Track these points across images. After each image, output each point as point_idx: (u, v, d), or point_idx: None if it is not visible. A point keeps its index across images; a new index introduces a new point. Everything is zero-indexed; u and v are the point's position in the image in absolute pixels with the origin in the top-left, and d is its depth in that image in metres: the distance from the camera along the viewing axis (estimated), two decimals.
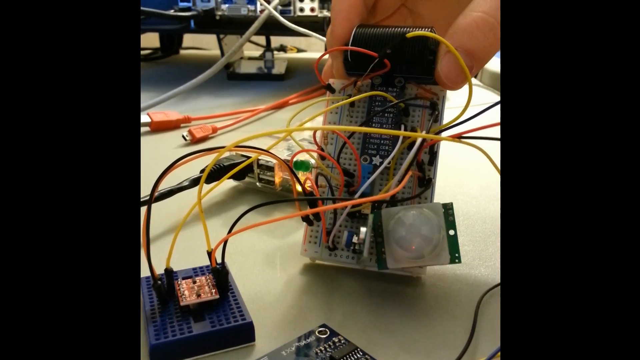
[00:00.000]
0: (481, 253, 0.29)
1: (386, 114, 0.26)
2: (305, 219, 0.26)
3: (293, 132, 0.25)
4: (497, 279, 0.26)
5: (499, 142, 0.23)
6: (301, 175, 0.33)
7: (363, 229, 0.23)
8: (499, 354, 0.19)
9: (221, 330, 0.21)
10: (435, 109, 0.25)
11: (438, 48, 0.24)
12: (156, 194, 0.30)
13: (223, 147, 0.22)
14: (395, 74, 0.26)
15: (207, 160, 0.33)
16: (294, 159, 0.25)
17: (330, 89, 0.28)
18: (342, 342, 0.21)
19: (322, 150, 0.26)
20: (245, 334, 0.22)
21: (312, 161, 0.29)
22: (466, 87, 0.24)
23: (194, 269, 0.25)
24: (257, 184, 0.36)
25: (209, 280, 0.24)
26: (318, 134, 0.27)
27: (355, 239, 0.24)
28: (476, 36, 0.23)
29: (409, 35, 0.24)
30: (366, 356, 0.20)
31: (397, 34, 0.25)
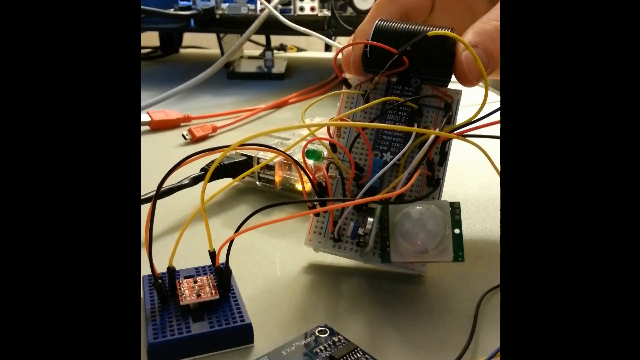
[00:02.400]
0: (481, 253, 0.29)
1: (400, 113, 0.26)
2: (313, 209, 0.26)
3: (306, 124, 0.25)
4: (497, 279, 0.26)
5: (499, 143, 0.24)
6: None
7: (370, 220, 0.23)
8: (499, 353, 0.19)
9: (220, 331, 0.21)
10: (449, 110, 0.25)
11: (456, 46, 0.25)
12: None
13: (230, 145, 0.22)
14: (412, 74, 0.26)
15: (207, 159, 0.33)
16: (307, 148, 0.25)
17: (347, 83, 0.28)
18: (342, 341, 0.21)
19: (334, 146, 0.26)
20: (243, 335, 0.22)
21: (324, 152, 0.29)
22: (475, 87, 0.25)
23: (196, 268, 0.25)
24: (257, 182, 0.36)
25: (209, 280, 0.24)
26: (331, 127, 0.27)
27: (360, 231, 0.24)
28: (496, 40, 0.24)
29: (430, 34, 0.24)
30: (366, 356, 0.20)
31: (418, 31, 0.25)
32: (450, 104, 0.25)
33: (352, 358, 0.20)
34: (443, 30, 0.24)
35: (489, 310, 0.24)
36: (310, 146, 0.25)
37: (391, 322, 0.23)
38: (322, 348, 0.21)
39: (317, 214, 0.26)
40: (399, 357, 0.21)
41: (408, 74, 0.26)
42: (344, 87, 0.28)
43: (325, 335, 0.22)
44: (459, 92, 0.26)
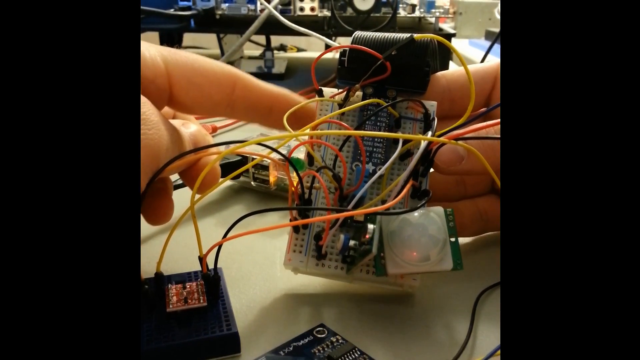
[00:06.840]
0: (481, 253, 0.29)
1: (378, 124, 0.26)
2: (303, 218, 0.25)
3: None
4: (496, 278, 0.26)
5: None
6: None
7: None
8: (499, 352, 0.19)
9: (205, 339, 0.21)
10: (427, 121, 0.26)
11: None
12: None
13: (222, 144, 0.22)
14: (387, 86, 0.26)
15: None
16: (291, 156, 0.24)
17: (320, 93, 0.27)
18: (340, 341, 0.21)
19: (312, 157, 0.25)
20: (229, 344, 0.21)
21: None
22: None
23: (188, 273, 0.24)
24: (252, 183, 0.36)
25: (199, 287, 0.23)
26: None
27: (352, 243, 0.22)
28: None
29: (417, 37, 0.24)
30: (364, 355, 0.20)
31: (398, 40, 0.25)
32: (427, 115, 0.26)
33: (350, 358, 0.20)
34: (429, 34, 0.25)
35: (488, 309, 0.24)
36: (294, 155, 0.25)
37: (389, 321, 0.23)
38: (320, 348, 0.21)
39: (297, 231, 0.25)
40: (397, 356, 0.21)
41: (384, 86, 0.26)
42: (316, 96, 0.27)
43: (323, 335, 0.21)
44: (434, 104, 0.26)
